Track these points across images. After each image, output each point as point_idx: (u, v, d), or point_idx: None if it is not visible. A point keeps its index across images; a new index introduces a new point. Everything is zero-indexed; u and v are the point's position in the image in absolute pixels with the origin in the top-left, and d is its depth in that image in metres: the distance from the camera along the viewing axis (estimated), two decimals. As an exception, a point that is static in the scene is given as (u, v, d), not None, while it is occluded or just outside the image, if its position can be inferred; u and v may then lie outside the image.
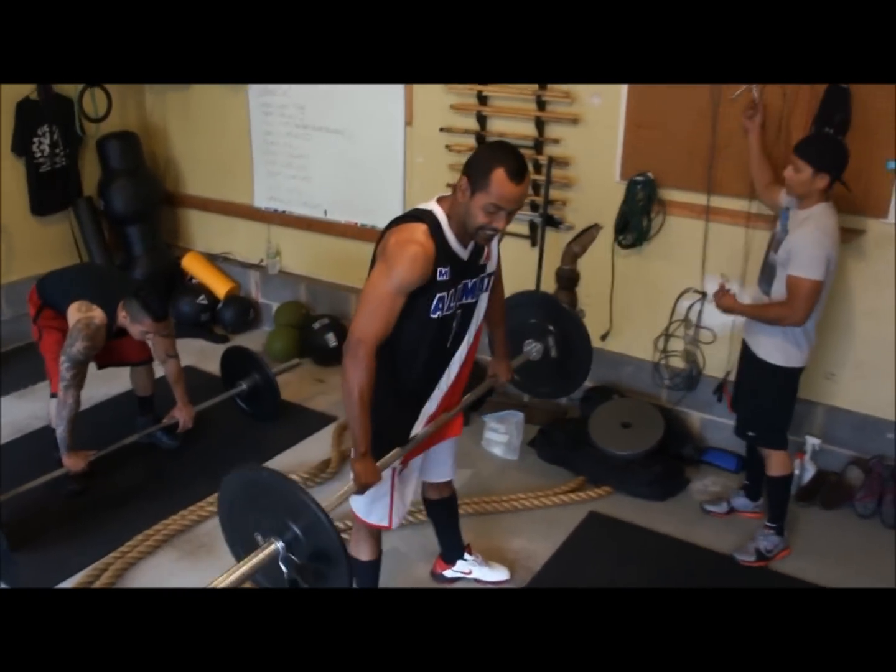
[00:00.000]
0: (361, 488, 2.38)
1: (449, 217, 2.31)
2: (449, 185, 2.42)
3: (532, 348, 3.13)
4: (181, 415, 3.95)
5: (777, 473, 3.33)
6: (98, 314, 3.55)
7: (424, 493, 3.05)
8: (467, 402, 2.80)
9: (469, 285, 2.44)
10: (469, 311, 2.50)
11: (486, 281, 2.50)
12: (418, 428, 2.58)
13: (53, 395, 3.71)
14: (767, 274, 3.20)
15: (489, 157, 2.24)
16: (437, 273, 2.29)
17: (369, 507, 2.65)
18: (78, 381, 3.54)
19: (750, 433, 3.37)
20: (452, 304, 2.40)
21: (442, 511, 3.11)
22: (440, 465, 2.88)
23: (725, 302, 3.24)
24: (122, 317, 3.59)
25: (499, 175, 2.19)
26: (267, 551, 2.08)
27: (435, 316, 2.36)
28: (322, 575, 2.08)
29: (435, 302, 2.33)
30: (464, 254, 2.36)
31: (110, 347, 3.76)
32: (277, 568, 2.10)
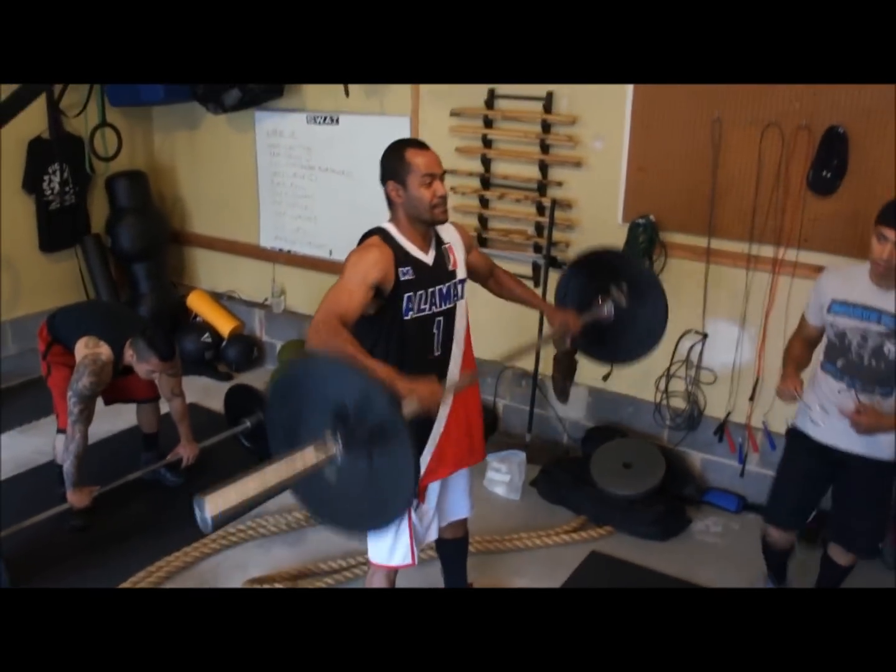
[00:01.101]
0: (432, 406, 2.20)
1: (398, 227, 2.48)
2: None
3: (604, 307, 2.94)
4: (185, 451, 3.97)
5: (849, 563, 3.06)
6: (105, 350, 3.58)
7: (442, 535, 3.00)
8: (540, 346, 2.74)
9: (444, 291, 2.52)
10: (450, 317, 2.56)
11: (459, 287, 2.59)
12: (429, 452, 2.58)
13: (60, 431, 3.73)
14: (883, 375, 2.70)
15: (392, 150, 2.49)
16: (400, 273, 2.40)
17: (392, 550, 2.65)
18: (85, 416, 3.56)
19: (881, 545, 3.07)
20: (425, 308, 2.47)
21: (453, 551, 3.09)
22: (456, 503, 2.87)
23: (869, 421, 2.66)
24: (129, 355, 3.63)
25: (410, 152, 2.44)
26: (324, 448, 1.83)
27: (408, 317, 2.44)
28: (387, 450, 1.85)
29: (405, 302, 2.42)
30: (427, 258, 2.49)
31: (118, 384, 3.79)
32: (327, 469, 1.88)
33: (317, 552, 3.60)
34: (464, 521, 3.00)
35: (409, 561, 2.67)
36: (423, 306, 2.46)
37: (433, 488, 2.71)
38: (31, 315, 5.13)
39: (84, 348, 3.58)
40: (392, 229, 2.48)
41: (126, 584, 3.36)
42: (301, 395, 1.93)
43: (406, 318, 2.43)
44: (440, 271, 2.52)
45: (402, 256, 2.43)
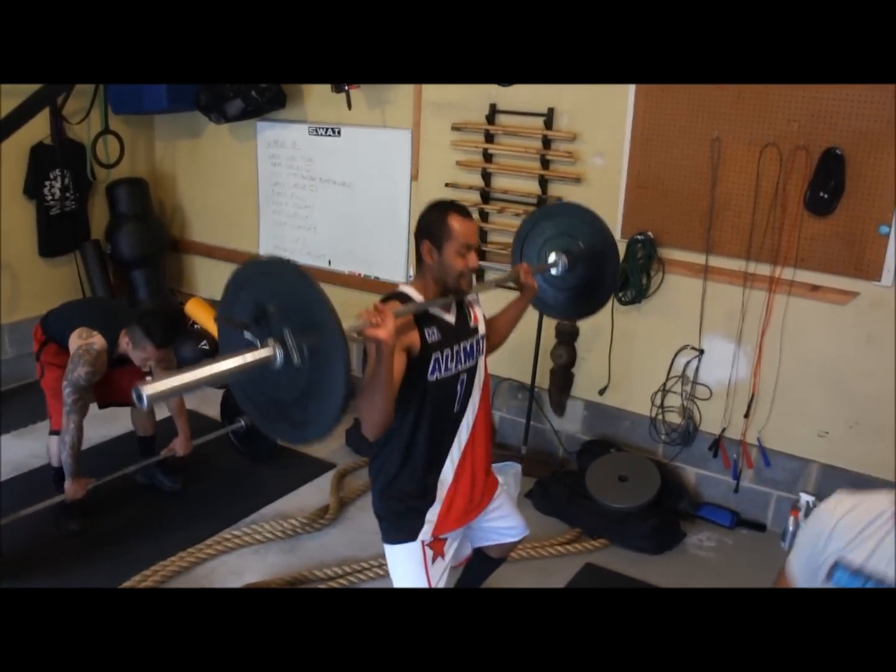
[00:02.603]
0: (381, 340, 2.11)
1: (422, 291, 2.45)
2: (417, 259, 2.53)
3: (559, 260, 2.98)
4: (179, 446, 4.00)
5: None
6: (98, 339, 3.59)
7: (482, 547, 2.95)
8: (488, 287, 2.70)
9: (468, 348, 2.52)
10: (472, 374, 2.56)
11: (480, 343, 2.59)
12: (440, 499, 2.55)
13: (54, 433, 3.74)
14: None
15: (436, 212, 2.44)
16: (426, 334, 2.38)
17: None
18: (80, 406, 3.57)
19: None
20: (451, 367, 2.46)
21: (488, 567, 3.04)
22: (504, 528, 2.82)
23: None
24: (125, 343, 3.63)
25: (455, 220, 2.39)
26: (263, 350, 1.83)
27: (433, 378, 2.41)
28: (317, 349, 1.84)
29: (432, 363, 2.39)
30: (450, 318, 2.48)
31: (112, 385, 3.79)
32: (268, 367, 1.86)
33: (312, 559, 3.62)
34: (512, 547, 2.94)
35: None
36: (449, 366, 2.44)
37: (450, 544, 2.64)
38: (30, 319, 5.10)
39: (78, 339, 3.59)
40: (412, 293, 2.45)
41: (121, 588, 3.36)
42: (251, 294, 1.93)
43: (431, 379, 2.41)
44: (463, 328, 2.51)
45: (424, 318, 2.40)
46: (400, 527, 2.54)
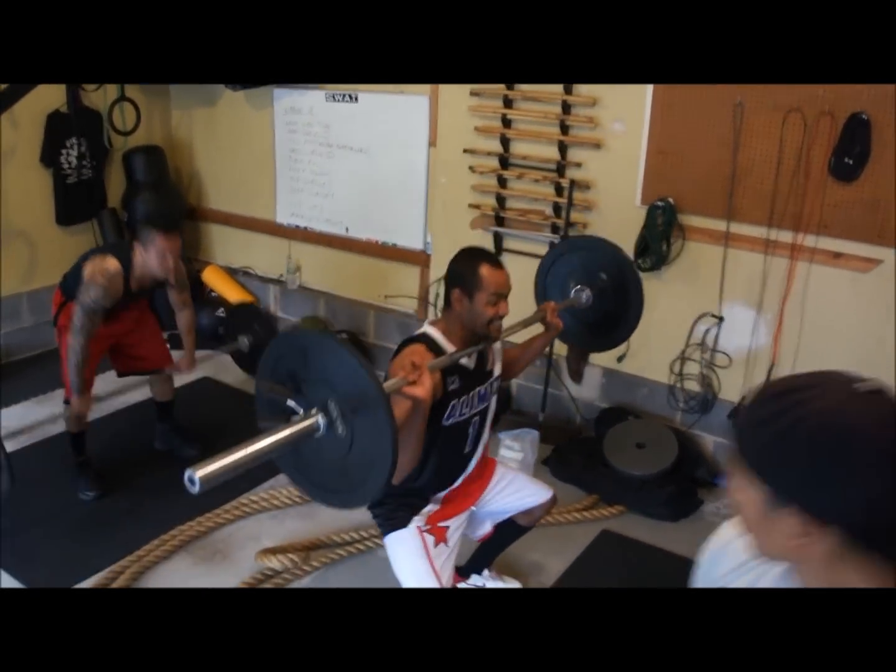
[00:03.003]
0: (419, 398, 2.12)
1: (446, 334, 2.46)
2: (445, 303, 2.52)
3: (582, 294, 2.97)
4: (183, 364, 4.00)
5: None
6: (112, 262, 3.53)
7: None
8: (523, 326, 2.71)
9: (482, 392, 2.56)
10: (484, 414, 2.63)
11: (494, 385, 2.63)
12: (435, 503, 2.63)
13: (67, 402, 3.75)
14: None
15: (468, 261, 2.45)
16: (448, 382, 2.40)
17: None
18: (87, 329, 3.50)
19: None
20: (466, 411, 2.51)
21: (512, 534, 3.07)
22: (518, 498, 2.85)
23: None
24: (138, 255, 3.56)
25: (486, 269, 2.41)
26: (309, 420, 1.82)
27: (448, 423, 2.46)
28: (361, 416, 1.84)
29: (449, 410, 2.44)
30: (469, 363, 2.50)
31: (132, 350, 3.80)
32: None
33: (329, 524, 3.63)
34: (544, 507, 2.94)
35: None
36: (464, 411, 2.49)
37: (453, 532, 2.69)
38: (47, 288, 5.14)
39: (91, 265, 3.53)
40: (438, 336, 2.46)
41: (139, 552, 3.39)
42: (291, 363, 1.93)
43: (446, 424, 2.45)
44: (481, 373, 2.55)
45: (448, 367, 2.40)
46: (393, 518, 2.59)
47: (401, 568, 2.62)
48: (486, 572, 3.21)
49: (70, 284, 3.74)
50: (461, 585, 3.23)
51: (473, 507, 2.77)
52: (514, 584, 3.26)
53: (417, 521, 2.58)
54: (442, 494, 2.64)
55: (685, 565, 3.60)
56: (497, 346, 2.65)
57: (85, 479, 3.79)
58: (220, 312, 5.45)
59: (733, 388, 4.01)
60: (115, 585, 3.21)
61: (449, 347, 2.44)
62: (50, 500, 3.72)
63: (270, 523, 3.67)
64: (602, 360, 4.33)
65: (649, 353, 4.21)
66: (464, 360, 2.46)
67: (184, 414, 4.17)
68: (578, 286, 2.97)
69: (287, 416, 1.86)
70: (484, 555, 3.17)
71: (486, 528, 2.93)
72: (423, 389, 2.05)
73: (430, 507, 2.61)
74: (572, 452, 4.09)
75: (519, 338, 2.88)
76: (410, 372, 2.04)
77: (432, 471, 2.53)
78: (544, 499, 2.88)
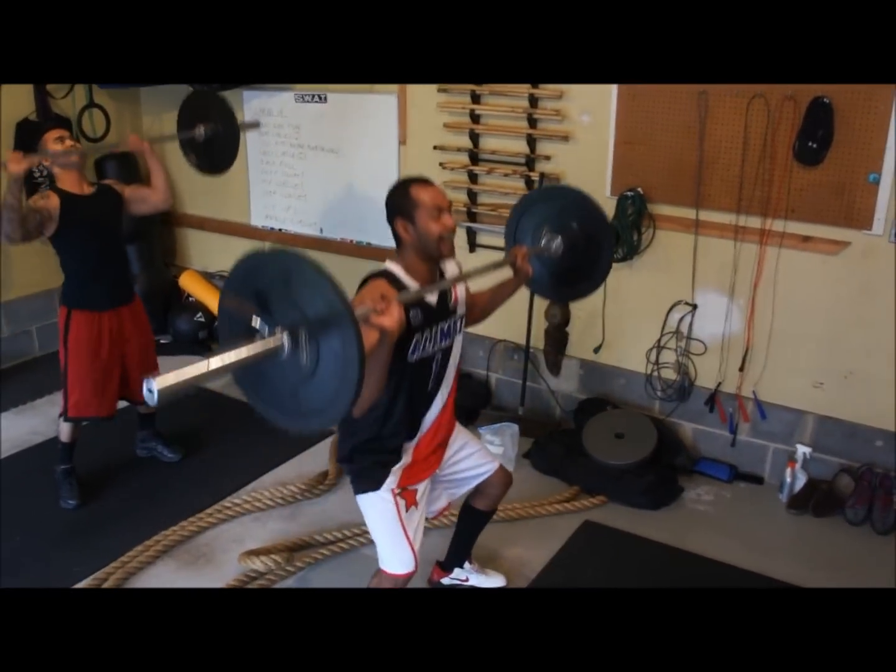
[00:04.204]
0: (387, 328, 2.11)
1: (407, 270, 2.47)
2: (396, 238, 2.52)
3: (552, 242, 2.88)
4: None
5: None
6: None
7: (469, 501, 3.03)
8: (489, 269, 2.64)
9: (444, 329, 2.56)
10: (447, 353, 2.62)
11: (458, 323, 2.63)
12: (405, 457, 2.63)
13: (62, 417, 3.75)
14: None
15: (398, 190, 2.48)
16: (411, 317, 2.39)
17: (393, 559, 2.68)
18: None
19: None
20: (429, 347, 2.51)
21: (476, 522, 3.10)
22: (473, 466, 2.88)
23: None
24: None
25: (416, 188, 2.45)
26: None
27: (413, 359, 2.46)
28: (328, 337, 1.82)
29: (413, 344, 2.44)
30: (432, 298, 2.50)
31: (130, 372, 3.84)
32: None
33: (312, 525, 3.64)
34: (498, 492, 2.98)
35: (411, 566, 2.67)
36: (427, 347, 2.49)
37: (422, 494, 2.71)
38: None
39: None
40: (398, 270, 2.47)
41: (123, 559, 3.39)
42: (253, 284, 1.90)
43: (411, 359, 2.46)
44: (443, 309, 2.54)
45: (415, 301, 2.42)
46: (366, 477, 2.61)
47: (374, 528, 2.69)
48: (467, 565, 3.24)
49: (64, 292, 3.75)
50: (445, 581, 3.26)
51: (437, 470, 2.77)
52: (497, 576, 3.28)
53: (390, 483, 2.59)
54: (411, 446, 2.62)
55: (667, 553, 3.68)
56: (461, 288, 2.65)
57: (67, 488, 3.78)
58: (199, 317, 5.45)
59: (709, 374, 4.04)
60: (98, 594, 3.22)
61: (411, 283, 2.45)
62: (32, 508, 3.72)
63: (253, 525, 3.67)
64: (579, 352, 4.36)
65: (625, 343, 4.24)
66: (427, 296, 2.47)
67: (164, 419, 4.17)
68: (550, 235, 2.92)
69: (251, 337, 1.83)
70: (459, 548, 3.19)
71: (441, 503, 2.90)
72: (391, 319, 2.06)
73: (402, 463, 2.60)
74: (552, 445, 4.11)
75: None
76: (379, 302, 2.06)
77: (402, 408, 2.51)
78: (493, 468, 2.91)
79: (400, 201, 2.45)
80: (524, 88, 4.10)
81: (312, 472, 4.01)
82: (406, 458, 2.63)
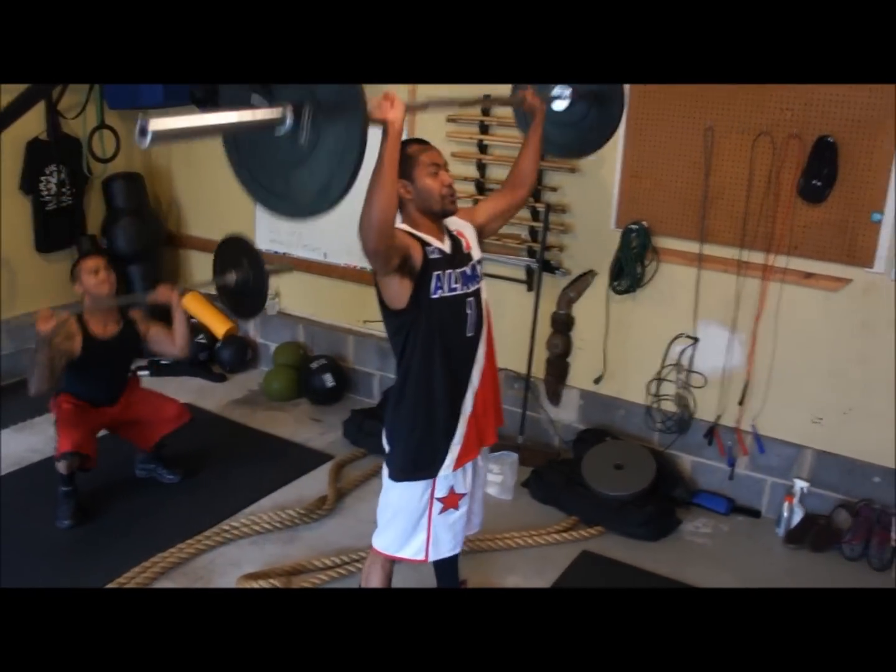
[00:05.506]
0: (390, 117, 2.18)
1: (412, 225, 2.53)
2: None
3: (565, 91, 2.94)
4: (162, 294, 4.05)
5: None
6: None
7: None
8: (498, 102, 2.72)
9: (467, 273, 2.60)
10: (478, 297, 2.64)
11: (477, 267, 2.67)
12: (458, 440, 2.61)
13: (58, 458, 3.75)
14: None
15: None
16: (428, 251, 2.47)
17: (404, 542, 2.69)
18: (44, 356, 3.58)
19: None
20: (457, 287, 2.54)
21: (447, 561, 3.06)
22: (472, 517, 2.89)
23: None
24: (77, 288, 3.80)
25: (412, 148, 2.51)
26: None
27: (436, 296, 2.49)
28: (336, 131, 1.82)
29: (434, 281, 2.48)
30: (445, 246, 2.56)
31: (128, 427, 3.94)
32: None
33: (311, 549, 3.63)
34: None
35: (421, 556, 2.69)
36: (453, 285, 2.53)
37: (465, 499, 2.72)
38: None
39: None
40: (406, 228, 2.53)
41: (120, 580, 3.37)
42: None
43: (434, 296, 2.49)
44: (459, 255, 2.60)
45: (425, 242, 2.50)
46: (417, 460, 2.60)
47: (394, 514, 2.69)
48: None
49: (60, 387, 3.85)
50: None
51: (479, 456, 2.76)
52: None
53: (444, 471, 2.59)
54: (467, 405, 2.61)
55: (665, 585, 3.67)
56: (469, 231, 2.69)
57: (64, 508, 3.76)
58: (201, 339, 5.45)
59: (709, 407, 4.05)
60: (95, 613, 3.19)
61: (421, 234, 2.51)
62: (29, 528, 3.71)
63: (251, 549, 3.66)
64: (580, 382, 4.37)
65: (626, 374, 4.25)
66: (437, 244, 2.52)
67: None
68: (558, 85, 2.95)
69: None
70: (448, 579, 3.13)
71: (477, 520, 2.94)
72: (395, 113, 2.13)
73: (456, 445, 2.59)
74: (551, 474, 4.11)
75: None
76: (383, 100, 2.13)
77: (441, 362, 2.52)
78: (477, 530, 3.01)
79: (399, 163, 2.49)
80: (531, 120, 4.14)
81: (311, 497, 4.00)
82: (461, 432, 2.60)
